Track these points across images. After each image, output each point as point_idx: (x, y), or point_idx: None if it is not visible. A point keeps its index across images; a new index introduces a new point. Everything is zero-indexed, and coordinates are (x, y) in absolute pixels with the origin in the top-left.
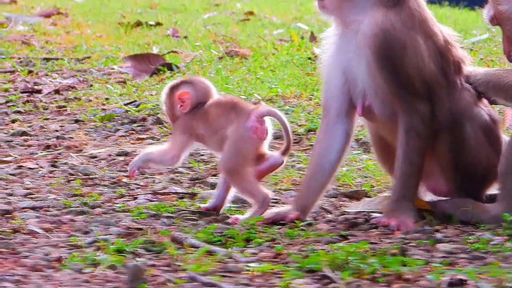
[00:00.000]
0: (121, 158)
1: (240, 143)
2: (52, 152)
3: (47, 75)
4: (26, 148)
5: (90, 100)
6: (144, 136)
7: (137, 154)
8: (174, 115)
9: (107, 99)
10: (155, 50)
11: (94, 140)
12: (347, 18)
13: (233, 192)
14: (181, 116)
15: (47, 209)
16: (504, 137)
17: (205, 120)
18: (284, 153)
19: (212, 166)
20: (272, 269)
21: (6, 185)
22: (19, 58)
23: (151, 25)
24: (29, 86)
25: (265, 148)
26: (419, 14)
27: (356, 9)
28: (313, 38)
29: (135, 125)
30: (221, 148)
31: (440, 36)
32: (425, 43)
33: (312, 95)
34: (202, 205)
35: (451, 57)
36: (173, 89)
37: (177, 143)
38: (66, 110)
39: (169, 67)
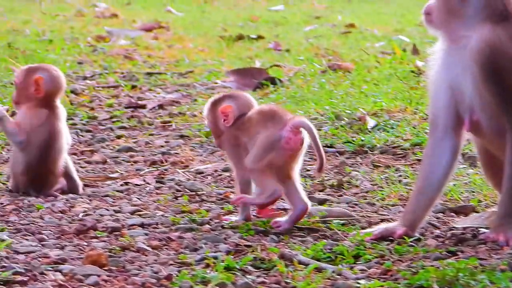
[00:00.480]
0: (227, 174)
1: (269, 149)
2: (158, 168)
3: (151, 89)
4: (132, 164)
5: (195, 115)
6: None
7: None
8: (218, 129)
9: None
10: (257, 64)
11: (200, 155)
12: (454, 33)
13: None
14: (226, 130)
15: (155, 226)
16: None
17: (246, 127)
18: (319, 170)
19: (318, 181)
20: (381, 286)
21: (114, 202)
22: (122, 73)
23: (252, 38)
24: (133, 101)
25: (296, 169)
26: None
27: (464, 25)
28: (415, 51)
29: None
30: None
31: None
32: None
33: (417, 109)
34: None
35: None
36: (216, 104)
37: (236, 159)
38: (171, 125)
39: (272, 81)
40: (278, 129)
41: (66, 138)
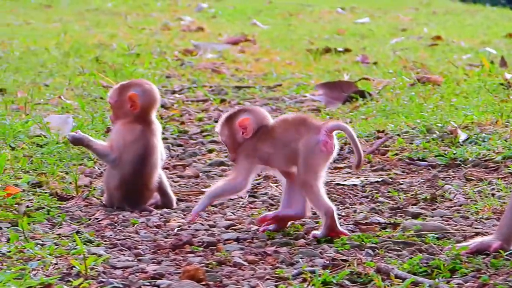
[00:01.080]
0: None
1: (311, 157)
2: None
3: (239, 103)
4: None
5: None
6: (342, 165)
7: (335, 183)
8: (235, 143)
9: None
10: (345, 77)
11: None
12: None
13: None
14: (244, 142)
15: (251, 240)
16: None
17: (271, 137)
18: (357, 167)
19: (411, 195)
20: None
21: (208, 216)
22: (211, 87)
23: (339, 51)
24: None
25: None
26: None
27: None
28: (503, 63)
29: None
30: (290, 162)
31: None
32: None
33: (508, 122)
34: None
35: None
36: (232, 118)
37: (243, 168)
38: None
39: (362, 94)
40: (313, 134)
41: (160, 153)
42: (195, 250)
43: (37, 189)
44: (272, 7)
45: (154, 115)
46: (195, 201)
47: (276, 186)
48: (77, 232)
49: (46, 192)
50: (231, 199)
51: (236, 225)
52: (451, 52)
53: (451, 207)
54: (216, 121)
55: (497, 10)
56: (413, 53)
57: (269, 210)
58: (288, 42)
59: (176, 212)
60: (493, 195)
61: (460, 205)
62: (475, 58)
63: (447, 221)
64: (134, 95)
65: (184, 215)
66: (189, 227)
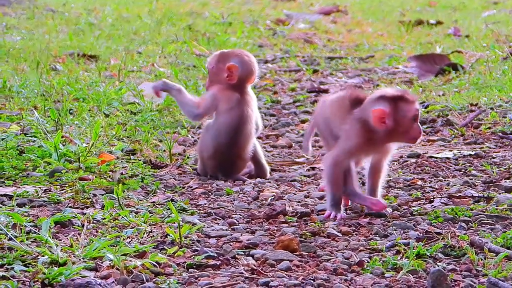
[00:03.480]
0: (413, 160)
1: None
2: None
3: (332, 74)
4: (317, 149)
5: None
6: (435, 138)
7: (429, 156)
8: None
9: None
10: (438, 50)
11: None
12: None
13: None
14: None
15: (344, 212)
16: None
17: None
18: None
19: (504, 169)
20: None
21: (302, 187)
22: (303, 57)
23: (431, 24)
24: (316, 85)
25: None
26: None
27: None
28: None
29: (425, 126)
30: None
31: None
32: None
33: None
34: None
35: None
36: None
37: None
38: None
39: (454, 67)
40: None
41: (256, 124)
42: (289, 220)
43: (131, 157)
44: None
45: (249, 86)
46: (288, 172)
47: None
48: (172, 200)
49: (140, 160)
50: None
51: None
52: None
53: None
54: (309, 92)
55: None
56: (505, 27)
57: (363, 183)
58: (380, 13)
59: (269, 182)
60: None
61: None
62: None
63: None
64: (233, 66)
65: (278, 185)
66: (282, 197)
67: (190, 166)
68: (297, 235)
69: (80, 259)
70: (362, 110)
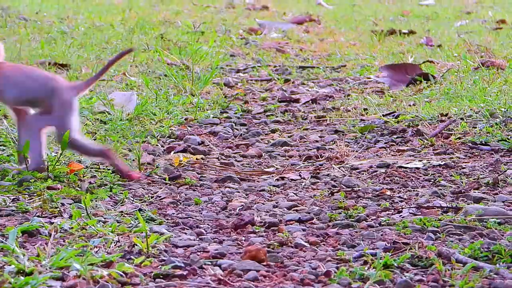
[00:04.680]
0: (382, 170)
1: None
2: (313, 163)
3: (303, 83)
4: (287, 159)
5: (349, 110)
6: (405, 148)
7: (398, 166)
8: None
9: (365, 109)
10: (410, 59)
11: (355, 151)
12: None
13: None
14: None
15: (312, 222)
16: None
17: None
18: None
19: (473, 179)
20: None
21: (271, 197)
22: (275, 66)
23: (404, 33)
24: (287, 95)
25: None
26: None
27: None
28: None
29: (395, 136)
30: None
31: None
32: None
33: None
34: None
35: None
36: None
37: None
38: (325, 120)
39: (426, 77)
40: None
41: None
42: (257, 230)
43: (100, 166)
44: None
45: None
46: (258, 181)
47: (339, 168)
48: (140, 210)
49: (109, 169)
50: (292, 180)
51: (298, 206)
52: None
53: None
54: (280, 101)
55: None
56: (478, 37)
57: (332, 193)
58: (353, 22)
59: (238, 192)
60: None
61: None
62: None
63: (508, 206)
64: None
65: (247, 194)
66: (251, 207)
67: (160, 175)
68: (264, 245)
69: (46, 269)
70: None
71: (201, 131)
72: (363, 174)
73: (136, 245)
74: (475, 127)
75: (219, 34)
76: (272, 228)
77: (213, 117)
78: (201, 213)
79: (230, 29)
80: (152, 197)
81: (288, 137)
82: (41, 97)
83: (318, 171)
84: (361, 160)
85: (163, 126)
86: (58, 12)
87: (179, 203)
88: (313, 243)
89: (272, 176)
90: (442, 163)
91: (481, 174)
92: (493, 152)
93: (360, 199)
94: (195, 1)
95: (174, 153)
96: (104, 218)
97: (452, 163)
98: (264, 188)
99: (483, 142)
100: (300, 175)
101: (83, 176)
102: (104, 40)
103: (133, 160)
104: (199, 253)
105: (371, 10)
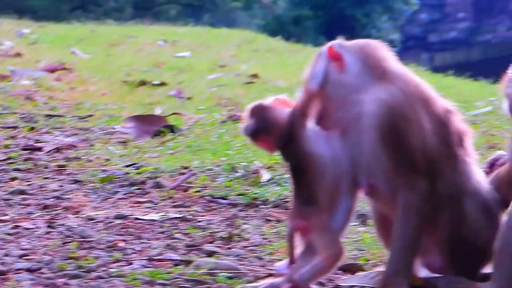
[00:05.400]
0: (119, 221)
1: None
2: (50, 213)
3: (49, 132)
4: (24, 207)
5: (91, 160)
6: (143, 200)
7: (134, 217)
8: None
9: (107, 160)
10: (158, 111)
11: (93, 201)
12: (347, 97)
13: None
14: None
15: (41, 271)
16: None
17: None
18: None
19: (208, 233)
20: None
21: (3, 245)
22: (22, 114)
23: (155, 84)
24: (30, 143)
25: None
26: (415, 85)
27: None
28: None
29: (134, 188)
30: None
31: (439, 105)
32: (426, 114)
33: None
34: None
35: (452, 127)
36: None
37: None
38: (66, 169)
39: (171, 129)
40: None
41: None
42: None
43: None
44: (94, 36)
45: None
46: None
47: (74, 217)
48: None
49: None
50: (26, 229)
51: (30, 255)
52: (267, 91)
53: (247, 246)
54: (23, 149)
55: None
56: (229, 90)
57: (65, 243)
58: (106, 72)
59: None
60: None
61: (256, 245)
62: (291, 98)
63: (241, 260)
64: None
65: None
66: None
67: None
68: None
69: None
70: None
71: None
72: (98, 224)
73: None
74: (215, 181)
75: None
76: (0, 276)
77: None
78: None
79: None
80: None
81: (28, 185)
82: None
83: (53, 220)
84: (98, 210)
85: None
86: None
87: None
88: None
89: (7, 224)
90: (179, 216)
91: (216, 228)
92: (231, 206)
93: (93, 250)
94: None
95: None
96: None
97: (189, 216)
98: None
99: (222, 196)
100: (34, 224)
101: None
102: None
103: None
104: None
105: (126, 60)
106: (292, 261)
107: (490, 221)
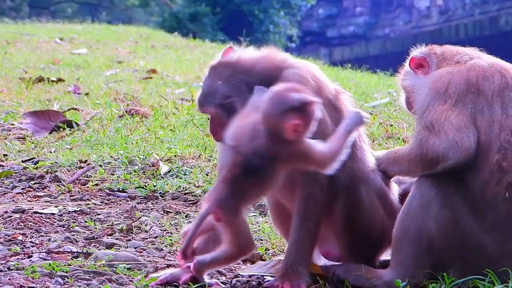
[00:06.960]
0: (17, 215)
1: None
2: None
3: None
4: None
5: None
6: (41, 194)
7: (33, 211)
8: None
9: (5, 155)
10: (56, 107)
11: None
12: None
13: None
14: None
15: None
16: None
17: None
18: None
19: (108, 225)
20: None
21: None
22: None
23: (53, 81)
24: None
25: None
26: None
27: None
28: None
29: (32, 182)
30: None
31: (331, 89)
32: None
33: (211, 156)
34: None
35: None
36: None
37: None
38: None
39: (69, 124)
40: None
41: None
42: None
43: None
44: None
45: None
46: None
47: None
48: None
49: None
50: None
51: None
52: (164, 86)
53: (146, 238)
54: None
55: (216, 46)
56: (126, 86)
57: None
58: (3, 70)
59: None
60: None
61: (156, 237)
62: (188, 93)
63: (140, 252)
64: None
65: None
66: None
67: None
68: None
69: None
70: None
71: None
72: None
73: None
74: (114, 174)
75: None
76: None
77: None
78: None
79: None
80: None
81: None
82: None
83: None
84: None
85: None
86: None
87: None
88: None
89: None
90: (78, 209)
91: (116, 221)
92: (129, 199)
93: None
94: None
95: None
96: None
97: (88, 209)
98: None
99: (120, 189)
100: None
101: None
102: None
103: None
104: None
105: (23, 58)
106: (188, 242)
107: (386, 208)
